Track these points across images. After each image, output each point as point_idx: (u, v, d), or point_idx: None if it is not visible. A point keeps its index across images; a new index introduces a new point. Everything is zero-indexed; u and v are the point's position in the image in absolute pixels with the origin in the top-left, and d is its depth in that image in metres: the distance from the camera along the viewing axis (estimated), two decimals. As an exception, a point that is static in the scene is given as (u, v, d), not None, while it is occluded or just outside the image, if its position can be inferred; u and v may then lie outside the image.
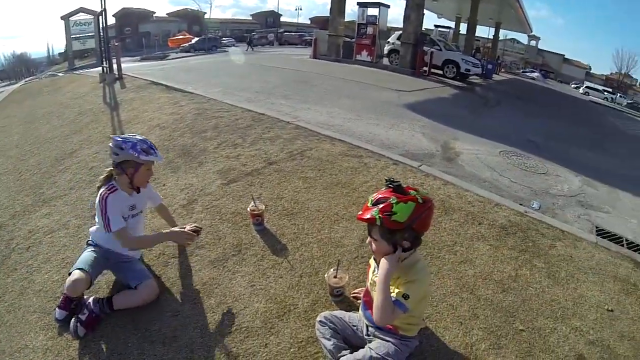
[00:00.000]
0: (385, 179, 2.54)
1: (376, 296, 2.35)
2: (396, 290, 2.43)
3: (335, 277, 3.27)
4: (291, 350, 2.91)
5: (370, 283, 2.74)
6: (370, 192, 2.61)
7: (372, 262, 2.84)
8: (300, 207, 4.63)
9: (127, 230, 3.32)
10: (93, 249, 3.41)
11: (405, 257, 2.52)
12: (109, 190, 3.27)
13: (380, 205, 2.39)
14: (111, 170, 3.39)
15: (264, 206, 4.16)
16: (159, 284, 3.47)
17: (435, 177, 5.72)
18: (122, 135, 3.32)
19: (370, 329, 2.76)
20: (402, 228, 2.39)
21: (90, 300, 3.18)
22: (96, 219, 3.42)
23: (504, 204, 5.31)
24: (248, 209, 4.10)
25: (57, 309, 3.20)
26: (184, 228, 3.96)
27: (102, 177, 3.43)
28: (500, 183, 6.45)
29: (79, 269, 3.13)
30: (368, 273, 2.87)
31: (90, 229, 3.55)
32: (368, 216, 2.41)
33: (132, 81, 11.37)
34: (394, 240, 2.44)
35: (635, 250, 4.96)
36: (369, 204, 2.46)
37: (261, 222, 4.00)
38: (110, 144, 3.26)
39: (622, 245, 5.03)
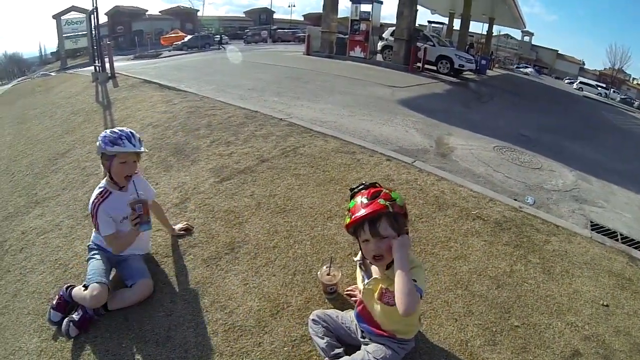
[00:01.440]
0: (356, 186, 2.56)
1: (400, 283, 2.23)
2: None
3: (328, 274, 3.27)
4: (285, 349, 2.90)
5: (364, 292, 2.69)
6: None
7: (359, 271, 2.80)
8: (293, 204, 4.62)
9: (119, 234, 3.29)
10: (97, 253, 3.38)
11: None
12: (102, 196, 3.23)
13: (381, 195, 2.38)
14: None
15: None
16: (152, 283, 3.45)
17: (429, 173, 5.72)
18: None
19: (365, 333, 2.75)
20: (403, 213, 2.41)
21: None
22: None
23: (498, 199, 5.32)
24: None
25: (51, 310, 3.17)
26: (175, 228, 4.00)
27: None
28: (495, 178, 6.46)
29: (97, 282, 3.09)
30: (357, 283, 2.86)
31: (94, 233, 3.51)
32: (378, 207, 2.35)
33: (124, 80, 11.33)
34: (400, 229, 2.41)
35: (629, 245, 4.98)
36: (365, 202, 2.40)
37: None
38: None
39: (617, 240, 5.06)
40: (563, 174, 7.47)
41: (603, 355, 3.13)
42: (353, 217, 2.42)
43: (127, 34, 64.50)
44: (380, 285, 2.53)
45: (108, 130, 3.21)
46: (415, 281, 2.30)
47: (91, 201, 3.24)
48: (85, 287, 3.11)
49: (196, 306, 3.26)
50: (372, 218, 2.37)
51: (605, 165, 9.42)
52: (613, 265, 4.31)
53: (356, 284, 3.06)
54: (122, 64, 16.78)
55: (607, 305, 3.66)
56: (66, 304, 3.20)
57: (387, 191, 2.42)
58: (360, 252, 2.65)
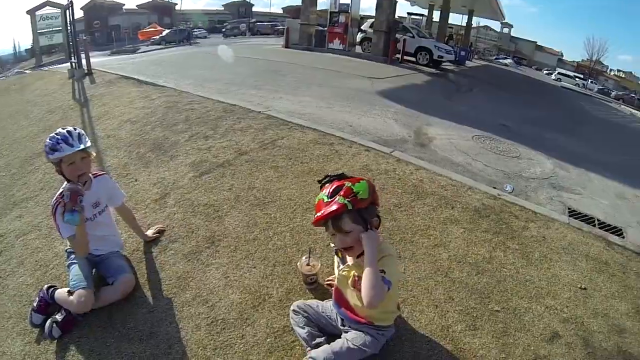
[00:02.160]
0: (322, 178, 2.55)
1: (367, 276, 2.27)
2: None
3: (307, 264, 3.29)
4: (267, 340, 2.92)
5: (338, 278, 2.73)
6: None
7: (335, 258, 2.84)
8: (272, 196, 4.62)
9: (81, 234, 3.20)
10: (75, 257, 3.34)
11: None
12: (57, 200, 3.15)
13: (341, 192, 2.36)
14: None
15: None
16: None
17: (408, 162, 5.75)
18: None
19: (345, 321, 2.77)
20: (368, 205, 2.40)
21: None
22: None
23: (477, 187, 5.37)
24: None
25: (32, 312, 3.15)
26: (147, 234, 3.96)
27: None
28: (474, 167, 6.51)
29: (83, 288, 3.06)
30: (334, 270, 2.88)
31: None
32: (336, 207, 2.33)
33: (101, 76, 11.17)
34: (366, 221, 2.41)
35: (606, 230, 5.08)
36: (325, 200, 2.40)
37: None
38: None
39: (594, 225, 5.15)
40: (541, 162, 7.54)
41: (582, 336, 3.21)
42: (315, 216, 2.44)
43: (104, 29, 63.31)
44: (353, 272, 2.56)
45: (49, 137, 3.12)
46: (384, 272, 2.33)
47: (51, 204, 3.19)
48: (70, 292, 3.08)
49: (178, 301, 3.26)
50: (333, 217, 2.38)
51: (583, 153, 9.54)
52: (590, 249, 4.40)
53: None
54: (99, 60, 16.52)
55: (584, 289, 3.74)
56: (47, 306, 3.17)
57: (350, 184, 2.38)
58: None
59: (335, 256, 2.82)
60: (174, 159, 5.55)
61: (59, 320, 3.02)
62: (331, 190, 2.40)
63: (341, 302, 2.74)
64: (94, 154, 3.45)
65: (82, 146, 3.12)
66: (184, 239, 3.96)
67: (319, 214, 2.40)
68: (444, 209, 4.67)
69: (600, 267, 4.12)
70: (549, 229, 4.64)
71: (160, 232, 4.06)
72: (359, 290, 2.43)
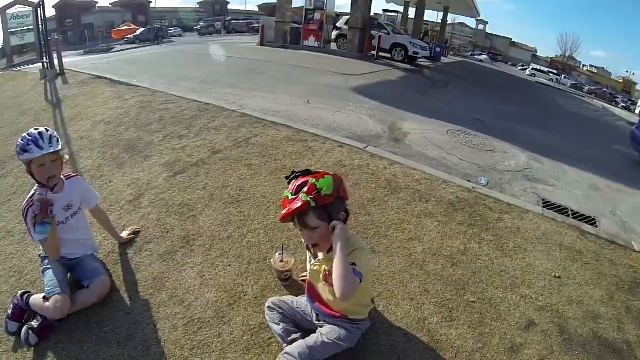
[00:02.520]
0: (289, 174, 2.57)
1: (337, 269, 2.27)
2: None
3: (281, 261, 3.31)
4: (244, 338, 2.93)
5: (310, 273, 2.77)
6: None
7: (307, 253, 2.87)
8: (246, 194, 4.62)
9: (53, 238, 3.15)
10: (50, 262, 3.30)
11: None
12: (28, 203, 3.12)
13: (305, 189, 2.37)
14: None
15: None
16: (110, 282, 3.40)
17: (382, 158, 5.78)
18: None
19: (320, 316, 2.78)
20: (333, 200, 2.40)
21: None
22: None
23: (452, 181, 5.42)
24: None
25: (7, 320, 3.09)
26: (122, 235, 3.92)
27: None
28: (448, 161, 6.55)
29: (58, 294, 3.02)
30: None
31: None
32: (299, 204, 2.36)
33: (74, 76, 11.01)
34: (331, 216, 2.42)
35: (580, 220, 5.18)
36: (289, 197, 2.42)
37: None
38: None
39: (568, 216, 5.24)
40: (516, 155, 7.63)
41: (557, 324, 3.28)
42: (282, 214, 2.46)
43: (77, 27, 62.18)
44: (324, 267, 2.58)
45: (20, 137, 3.08)
46: (355, 265, 2.35)
47: (22, 206, 3.15)
48: (46, 298, 3.04)
49: (155, 302, 3.25)
50: (298, 214, 2.41)
51: (557, 146, 9.68)
52: (564, 239, 4.48)
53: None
54: (72, 60, 16.30)
55: (559, 277, 3.83)
56: (23, 312, 3.13)
57: (314, 181, 2.39)
58: None
59: (307, 251, 2.84)
60: (148, 160, 5.51)
61: (35, 327, 2.97)
62: (295, 187, 2.41)
63: (314, 296, 2.76)
64: (67, 157, 3.42)
65: (51, 149, 3.07)
66: (159, 240, 3.94)
67: (284, 211, 2.43)
68: (418, 203, 4.70)
69: (574, 256, 4.20)
70: (523, 220, 4.71)
71: (136, 233, 4.02)
72: (331, 284, 2.45)
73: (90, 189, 3.73)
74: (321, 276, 2.63)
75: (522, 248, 4.18)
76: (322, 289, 2.68)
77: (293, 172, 2.54)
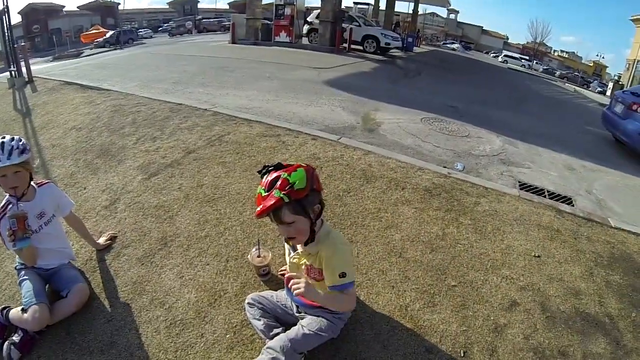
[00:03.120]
0: (260, 169, 2.51)
1: (331, 305, 2.35)
2: (331, 278, 2.43)
3: (258, 256, 3.30)
4: (227, 336, 2.92)
5: (290, 266, 2.78)
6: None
7: (286, 246, 2.86)
8: (221, 192, 4.60)
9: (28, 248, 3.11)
10: (26, 273, 3.24)
11: (318, 227, 2.50)
12: (2, 209, 3.08)
13: (277, 184, 2.32)
14: None
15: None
16: (89, 290, 3.35)
17: (356, 148, 5.80)
18: None
19: (300, 307, 2.78)
20: (307, 193, 2.37)
21: None
22: None
23: (427, 167, 5.48)
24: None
25: None
26: (99, 242, 3.86)
27: None
28: (423, 148, 6.60)
29: (36, 304, 2.97)
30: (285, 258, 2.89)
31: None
32: (272, 201, 2.30)
33: (43, 83, 10.83)
34: (306, 210, 2.39)
35: (556, 200, 5.31)
36: (263, 194, 2.36)
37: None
38: None
39: (544, 196, 5.35)
40: (491, 140, 7.71)
41: (539, 302, 3.34)
42: (256, 210, 2.40)
43: (44, 33, 60.75)
44: (304, 260, 2.59)
45: None
46: (346, 274, 2.40)
47: None
48: (24, 310, 2.98)
49: (136, 307, 3.21)
50: (273, 210, 2.35)
51: (531, 129, 9.81)
52: (542, 219, 4.56)
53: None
54: (40, 67, 16.06)
55: (538, 256, 3.90)
56: (3, 328, 3.06)
57: (286, 175, 2.34)
58: None
59: (286, 244, 2.83)
60: (122, 163, 5.45)
61: (17, 341, 2.91)
62: (268, 182, 2.36)
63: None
64: (34, 166, 3.37)
65: (8, 163, 2.98)
66: (137, 243, 3.90)
67: (258, 208, 2.37)
68: (394, 191, 4.73)
69: (552, 235, 4.27)
70: (501, 203, 4.78)
71: (113, 238, 3.97)
72: (312, 277, 2.48)
73: (63, 195, 3.64)
74: (303, 269, 2.64)
75: (500, 230, 4.23)
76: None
77: (265, 167, 2.48)
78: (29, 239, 3.00)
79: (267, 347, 2.50)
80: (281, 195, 2.29)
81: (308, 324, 2.59)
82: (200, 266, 3.56)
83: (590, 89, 42.88)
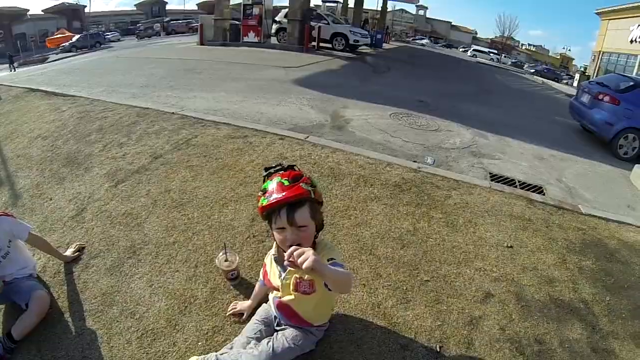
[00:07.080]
0: (274, 166, 2.43)
1: (333, 279, 2.09)
2: (329, 256, 2.28)
3: (226, 260, 3.26)
4: (199, 343, 2.88)
5: (282, 287, 2.53)
6: (257, 170, 2.53)
7: (273, 264, 2.64)
8: (189, 196, 4.54)
9: None
10: None
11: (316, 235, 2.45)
12: None
13: (303, 179, 2.25)
14: None
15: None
16: (56, 303, 3.29)
17: (323, 147, 5.80)
18: None
19: (281, 320, 2.68)
20: (322, 201, 2.36)
21: None
22: None
23: (396, 162, 5.50)
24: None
25: None
26: (66, 254, 3.75)
27: None
28: (393, 144, 6.63)
29: None
30: (267, 278, 2.70)
31: None
32: (301, 191, 2.19)
33: (7, 91, 10.59)
34: (317, 217, 2.34)
35: (527, 189, 5.43)
36: (285, 184, 2.21)
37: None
38: None
39: (515, 186, 5.47)
40: (461, 133, 7.78)
41: (514, 292, 3.39)
42: (271, 199, 2.22)
43: (8, 38, 59.17)
44: (295, 275, 2.41)
45: None
46: (335, 259, 2.29)
47: None
48: None
49: (106, 318, 3.14)
50: (293, 202, 2.20)
51: (501, 121, 9.97)
52: (513, 209, 4.63)
53: (258, 265, 3.21)
54: (4, 74, 15.82)
55: (511, 247, 3.95)
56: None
57: (307, 176, 2.30)
58: (275, 246, 2.56)
59: (274, 263, 2.61)
60: (89, 171, 5.34)
61: None
62: (291, 176, 2.25)
63: (283, 310, 2.61)
64: None
65: None
66: (105, 253, 3.82)
67: (277, 196, 2.19)
68: (362, 188, 4.73)
69: (524, 225, 4.34)
70: (472, 195, 4.83)
71: (80, 249, 3.86)
72: (303, 292, 2.40)
73: (16, 223, 3.44)
74: (291, 287, 2.46)
75: (472, 222, 4.27)
76: (294, 301, 2.52)
77: (279, 164, 2.42)
78: None
79: None
80: (309, 189, 2.23)
81: (293, 336, 2.51)
82: (170, 273, 3.49)
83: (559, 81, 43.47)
